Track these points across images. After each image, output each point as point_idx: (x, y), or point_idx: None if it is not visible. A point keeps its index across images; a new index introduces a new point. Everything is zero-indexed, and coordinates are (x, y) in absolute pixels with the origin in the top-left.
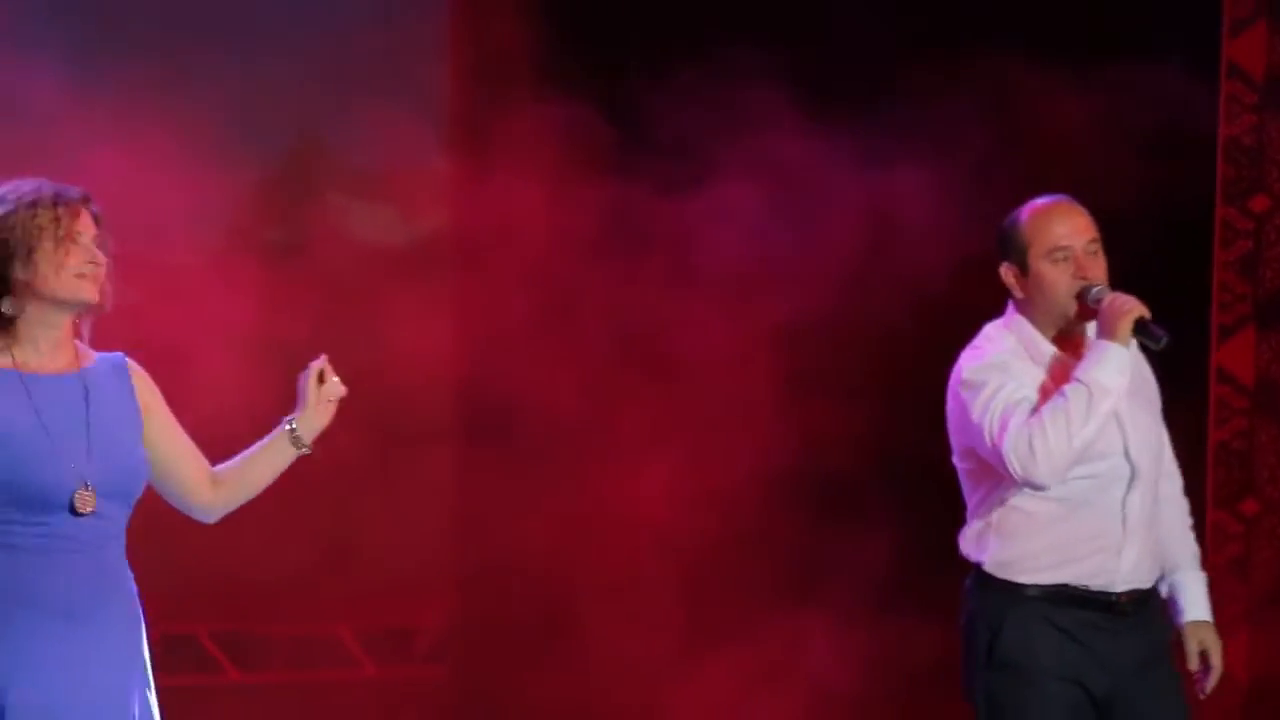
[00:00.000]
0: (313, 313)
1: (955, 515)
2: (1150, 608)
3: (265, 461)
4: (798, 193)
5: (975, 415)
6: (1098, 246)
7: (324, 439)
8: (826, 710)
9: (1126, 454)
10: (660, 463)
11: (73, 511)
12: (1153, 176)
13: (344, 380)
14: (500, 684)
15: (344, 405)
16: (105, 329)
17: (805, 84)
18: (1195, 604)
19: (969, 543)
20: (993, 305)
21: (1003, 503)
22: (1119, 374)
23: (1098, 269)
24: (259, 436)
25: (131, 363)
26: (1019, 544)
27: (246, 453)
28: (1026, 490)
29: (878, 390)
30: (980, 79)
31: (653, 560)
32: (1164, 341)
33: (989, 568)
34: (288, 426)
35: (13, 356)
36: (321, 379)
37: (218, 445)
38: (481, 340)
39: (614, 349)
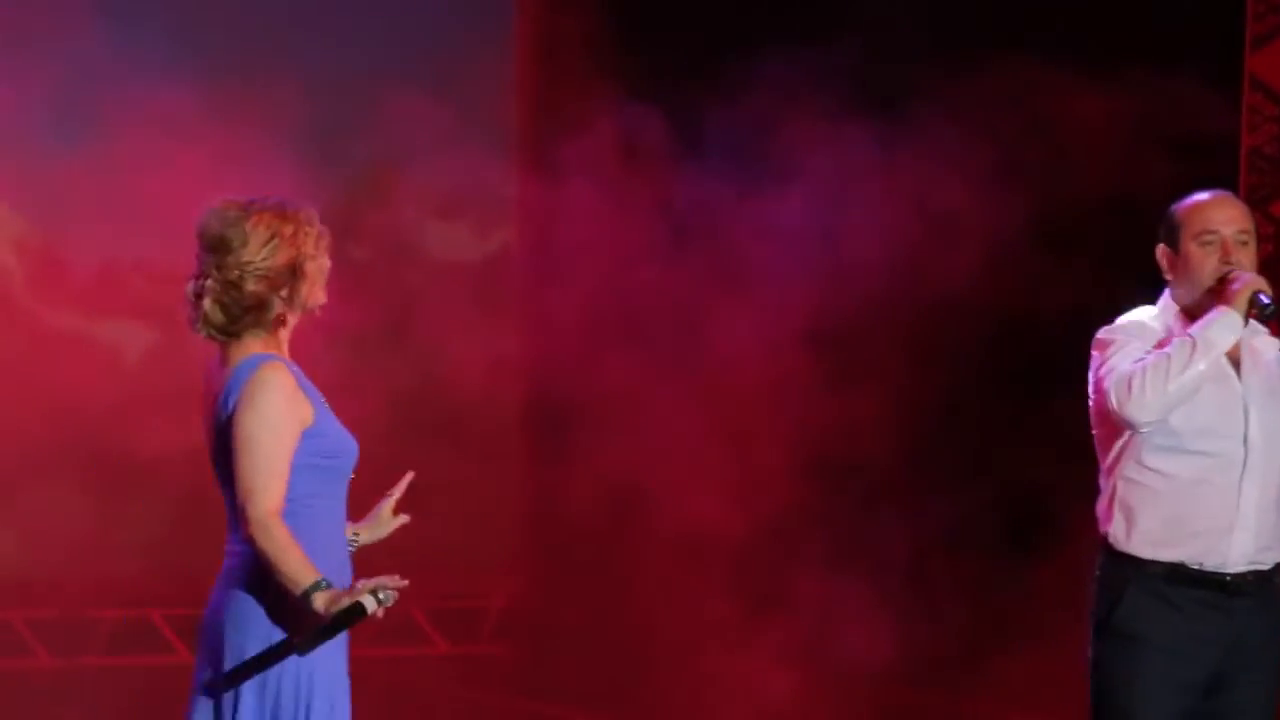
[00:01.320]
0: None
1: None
2: (1269, 589)
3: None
4: (849, 192)
5: (1096, 368)
6: (1249, 238)
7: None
8: (870, 687)
9: (1245, 439)
10: (710, 459)
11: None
12: (1179, 183)
13: (417, 384)
14: (561, 661)
15: (417, 410)
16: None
17: (860, 85)
18: None
19: (1099, 511)
20: (1021, 300)
21: (1125, 475)
22: (1227, 332)
23: (1245, 257)
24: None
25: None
26: (1138, 517)
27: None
28: (1148, 464)
29: (918, 377)
30: (1016, 84)
31: (704, 545)
32: (1270, 309)
33: (1112, 539)
34: (351, 533)
35: (271, 348)
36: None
37: None
38: (546, 341)
39: (667, 349)
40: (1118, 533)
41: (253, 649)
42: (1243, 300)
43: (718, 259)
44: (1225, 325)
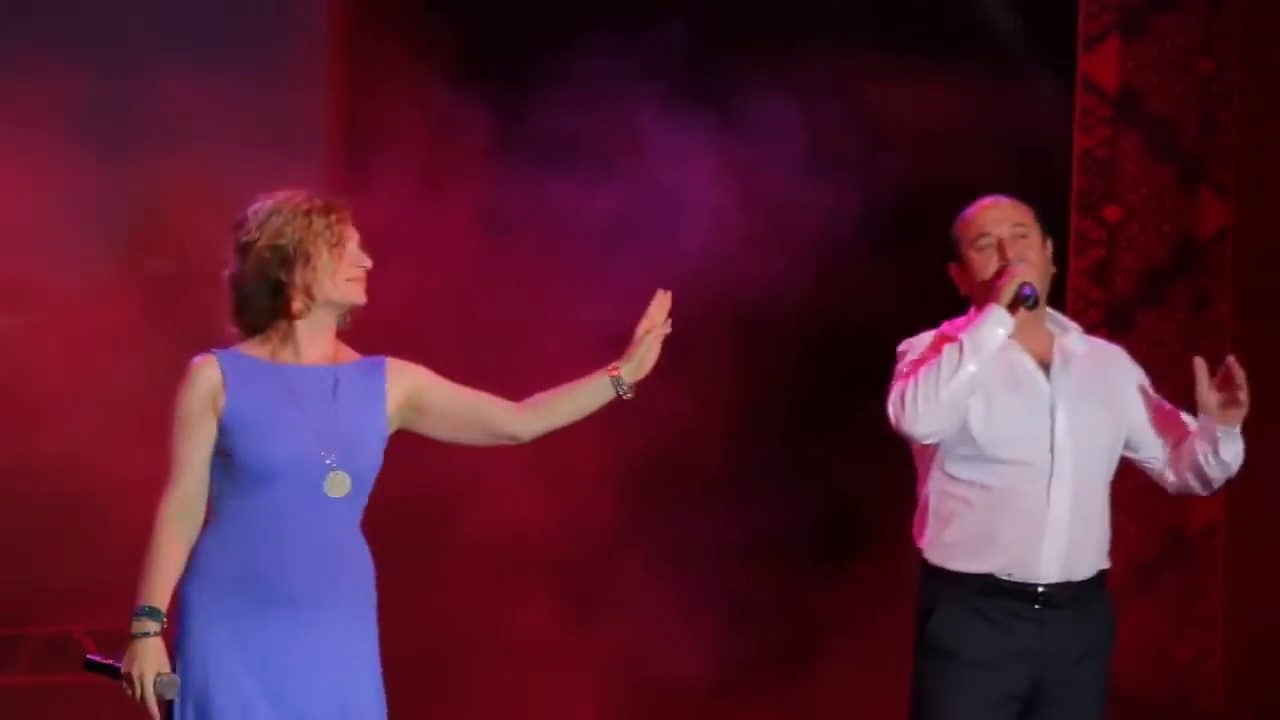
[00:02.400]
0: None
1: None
2: (1087, 602)
3: (582, 398)
4: (672, 185)
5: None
6: (1027, 230)
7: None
8: (686, 700)
9: (1051, 445)
10: (523, 462)
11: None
12: (1009, 186)
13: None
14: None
15: None
16: None
17: (684, 74)
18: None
19: (915, 525)
20: (846, 298)
21: (935, 487)
22: (995, 327)
23: (1027, 249)
24: None
25: (393, 363)
26: (949, 530)
27: (568, 385)
28: (955, 474)
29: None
30: (842, 76)
31: (515, 552)
32: (1032, 299)
33: (925, 552)
34: (612, 372)
35: (271, 351)
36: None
37: None
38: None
39: (483, 350)
40: (930, 545)
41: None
42: (1008, 294)
43: (537, 255)
44: (992, 322)
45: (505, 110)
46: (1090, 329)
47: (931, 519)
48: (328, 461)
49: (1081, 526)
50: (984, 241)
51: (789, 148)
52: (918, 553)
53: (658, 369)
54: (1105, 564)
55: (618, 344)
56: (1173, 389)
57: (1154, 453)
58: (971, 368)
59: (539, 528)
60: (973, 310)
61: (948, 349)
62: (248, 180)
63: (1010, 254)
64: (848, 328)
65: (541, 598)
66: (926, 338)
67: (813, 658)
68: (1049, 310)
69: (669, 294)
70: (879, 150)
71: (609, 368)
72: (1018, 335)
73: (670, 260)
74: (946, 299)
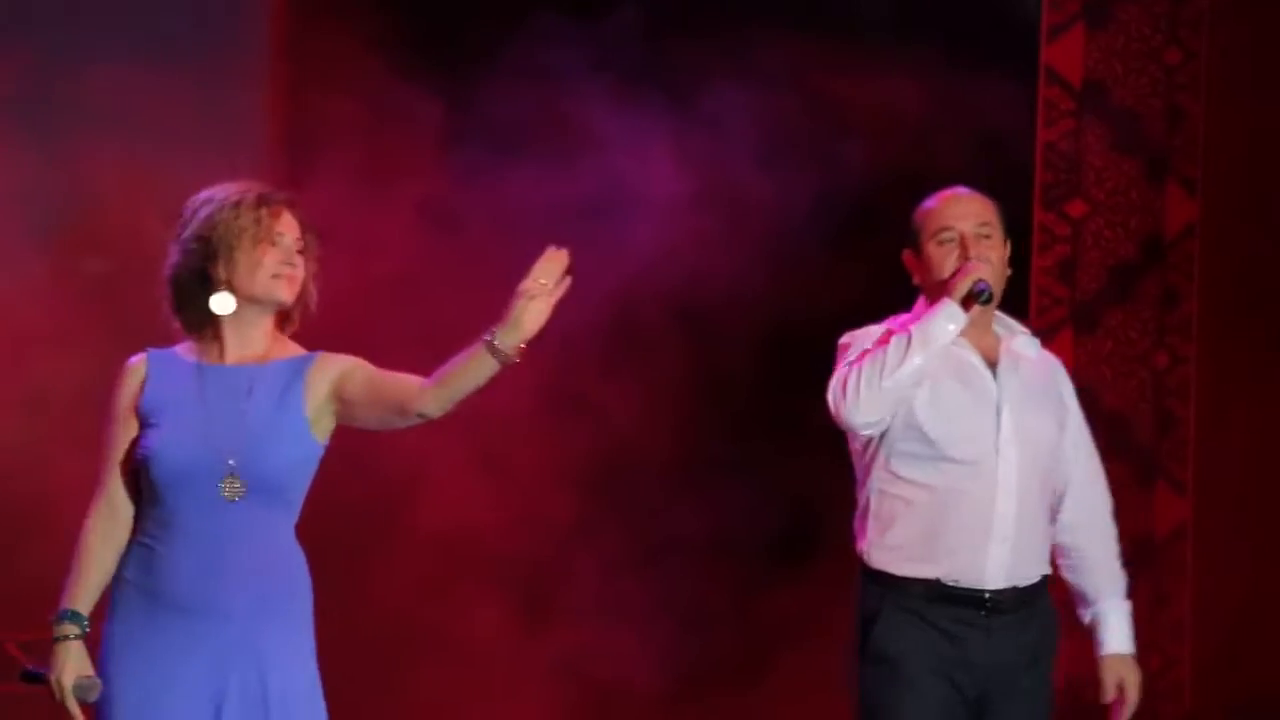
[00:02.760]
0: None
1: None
2: (1031, 608)
3: (471, 367)
4: (618, 177)
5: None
6: (990, 230)
7: None
8: (635, 704)
9: (997, 446)
10: (468, 462)
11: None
12: (970, 180)
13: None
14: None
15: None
16: None
17: (638, 62)
18: (1116, 636)
19: (855, 528)
20: (802, 291)
21: (877, 488)
22: (946, 322)
23: (989, 250)
24: None
25: (321, 358)
26: (892, 533)
27: (459, 355)
28: (899, 474)
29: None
30: (808, 69)
31: (460, 554)
32: (986, 294)
33: (866, 556)
34: (485, 337)
35: (202, 350)
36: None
37: None
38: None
39: (428, 346)
40: (872, 549)
41: None
42: (962, 289)
43: (485, 250)
44: (944, 316)
45: (453, 101)
46: (1055, 327)
47: (872, 521)
48: (230, 463)
49: (1027, 531)
50: (946, 235)
51: (745, 139)
52: (858, 556)
53: (609, 365)
54: (1047, 569)
55: (566, 342)
56: (1139, 388)
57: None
58: (918, 360)
59: (488, 527)
60: (921, 302)
61: (895, 339)
62: (189, 177)
63: (972, 252)
64: (805, 322)
65: (490, 599)
66: (874, 331)
67: (766, 665)
68: (997, 312)
69: (563, 251)
70: (836, 142)
71: (486, 332)
72: (967, 333)
73: (622, 254)
74: (905, 293)
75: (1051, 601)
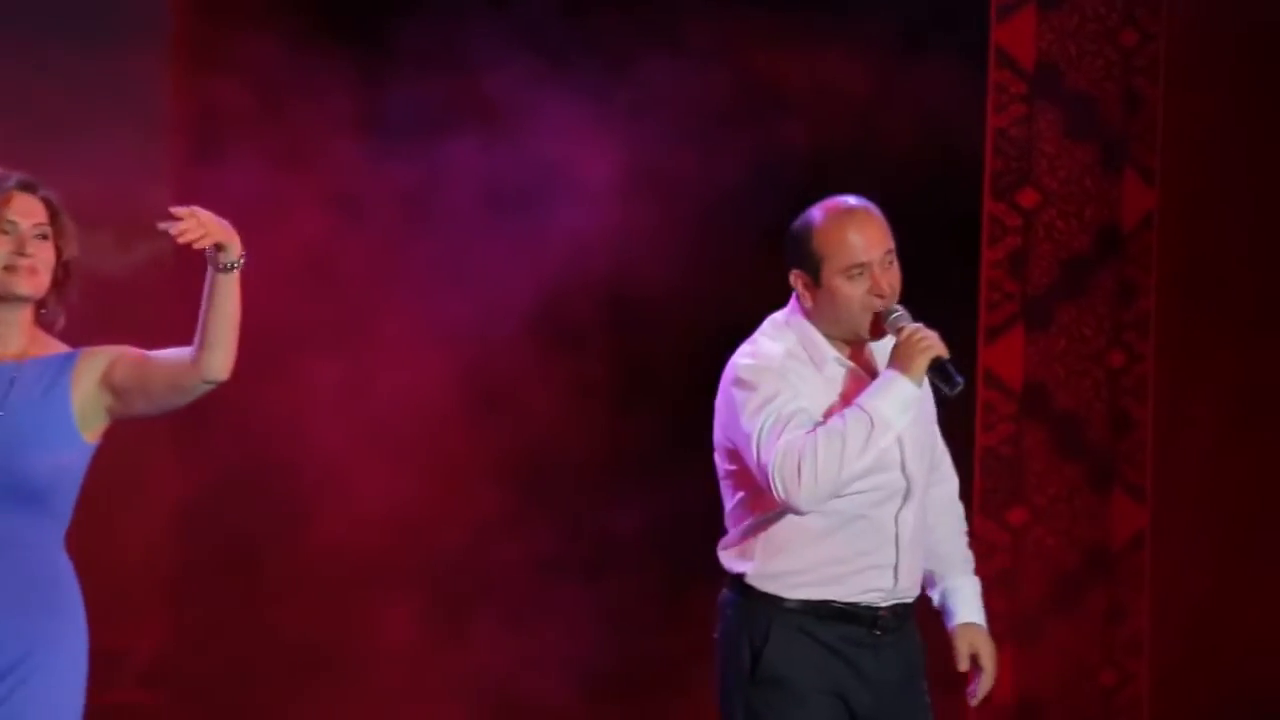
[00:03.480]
0: None
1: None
2: (909, 623)
3: (213, 301)
4: (541, 160)
5: (745, 421)
6: (893, 257)
7: None
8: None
9: (903, 468)
10: (370, 465)
11: None
12: (919, 169)
13: None
14: (216, 700)
15: None
16: None
17: (562, 40)
18: (966, 606)
19: (729, 554)
20: (729, 285)
21: (770, 513)
22: (904, 411)
23: (893, 280)
24: None
25: (85, 354)
26: (787, 558)
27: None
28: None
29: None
30: (742, 47)
31: (387, 554)
32: (959, 388)
33: (751, 579)
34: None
35: None
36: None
37: None
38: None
39: (337, 344)
40: (759, 572)
41: None
42: (920, 370)
43: (400, 233)
44: (902, 402)
45: (366, 81)
46: (1005, 323)
47: (758, 545)
48: None
49: (918, 548)
50: (858, 271)
51: (676, 120)
52: (736, 578)
53: (533, 358)
54: (921, 584)
55: (487, 333)
56: (1094, 388)
57: None
58: (882, 444)
59: (401, 528)
60: (795, 305)
61: (853, 420)
62: (92, 160)
63: (883, 288)
64: (741, 312)
65: (401, 606)
66: (775, 355)
67: (697, 671)
68: None
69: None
70: (774, 123)
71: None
72: (858, 356)
73: (546, 242)
74: None
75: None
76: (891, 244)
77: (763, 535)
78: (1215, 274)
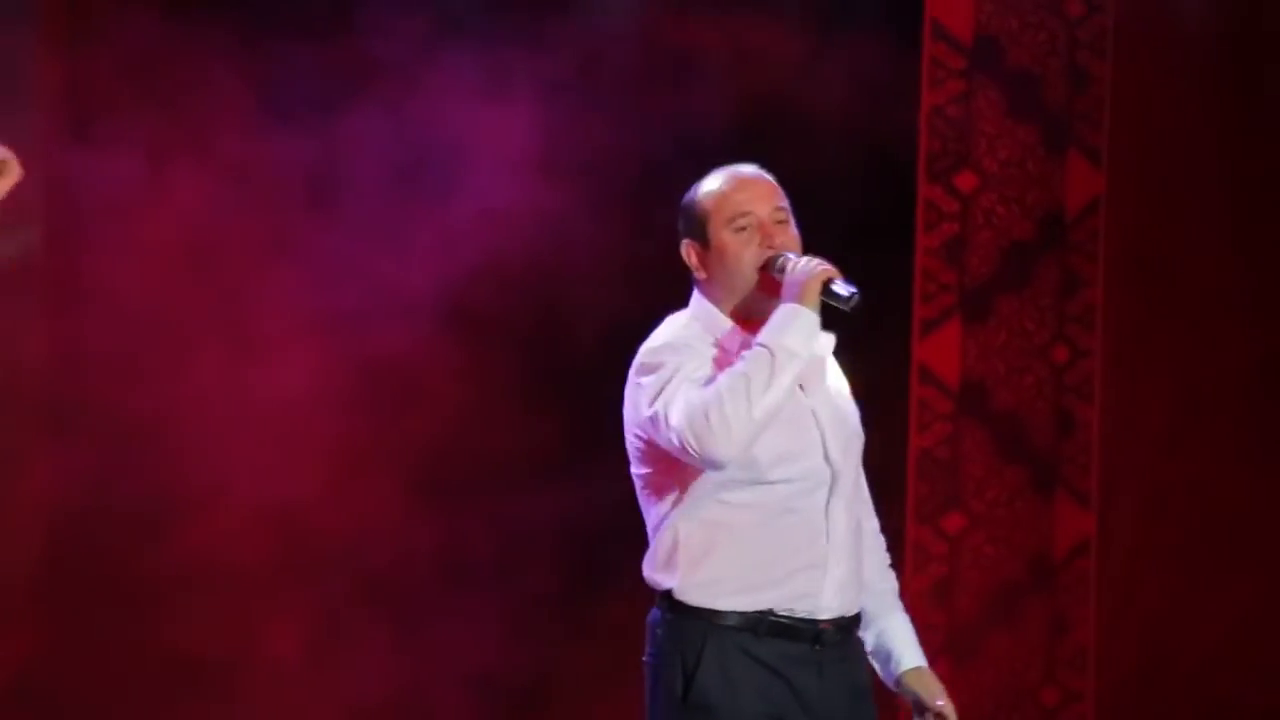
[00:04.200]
0: None
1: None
2: (853, 640)
3: None
4: (440, 138)
5: (648, 401)
6: (786, 215)
7: None
8: None
9: (826, 456)
10: (248, 473)
11: None
12: (848, 150)
13: None
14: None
15: None
16: None
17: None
18: (909, 650)
19: (654, 566)
20: (671, 272)
21: (694, 517)
22: (806, 338)
23: (786, 238)
24: None
25: None
26: (714, 563)
27: None
28: (724, 499)
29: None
30: (665, 14)
31: (272, 559)
32: (854, 300)
33: (680, 593)
34: None
35: None
36: None
37: None
38: (74, 348)
39: (210, 317)
40: (686, 584)
41: None
42: (813, 293)
43: (295, 214)
44: (802, 326)
45: (248, 49)
46: (942, 316)
47: (683, 554)
48: None
49: (855, 553)
50: (744, 221)
51: (591, 92)
52: (662, 595)
53: (435, 351)
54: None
55: (376, 329)
56: (1036, 385)
57: None
58: (786, 380)
59: (289, 530)
60: (697, 299)
61: (754, 357)
62: None
63: (775, 241)
64: (662, 296)
65: (288, 610)
66: (673, 341)
67: (603, 684)
68: None
69: None
70: (692, 100)
71: None
72: (754, 328)
73: (450, 221)
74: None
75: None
76: (782, 202)
77: (685, 543)
78: (1165, 263)
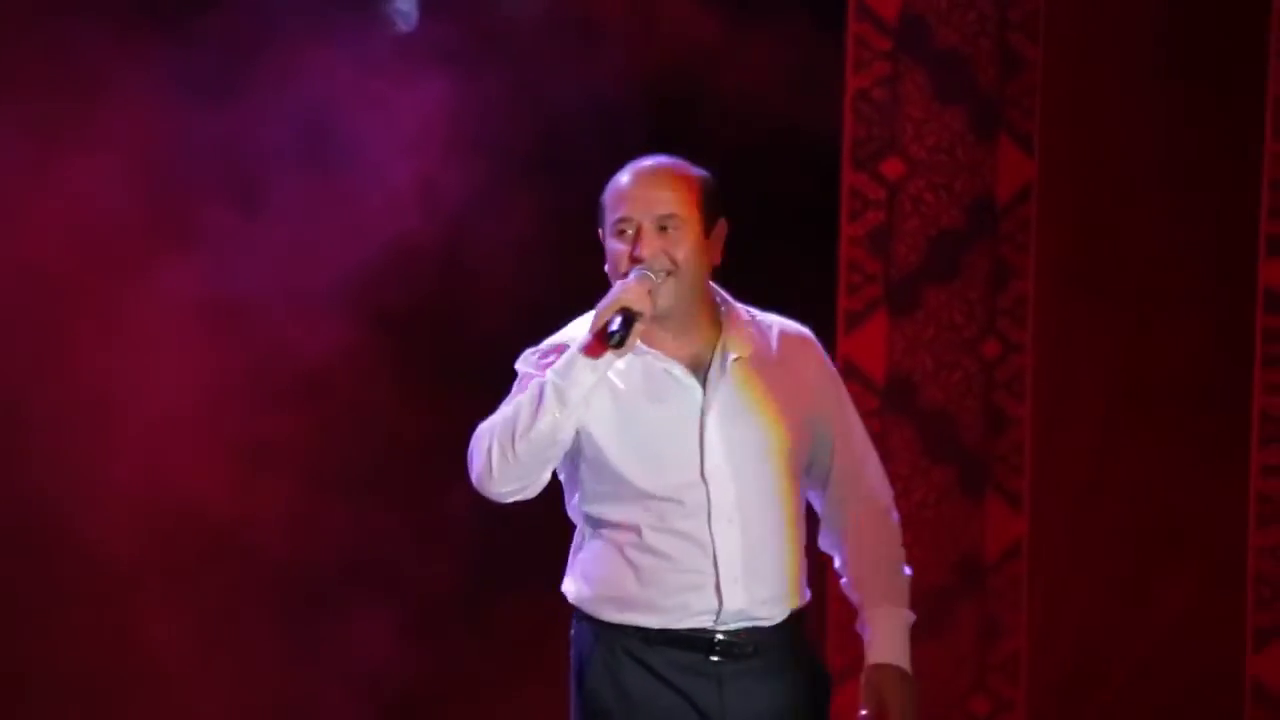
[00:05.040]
0: None
1: None
2: (778, 653)
3: None
4: (346, 121)
5: None
6: (678, 224)
7: None
8: None
9: (703, 472)
10: (125, 472)
11: None
12: (767, 136)
13: None
14: None
15: None
16: None
17: None
18: (878, 644)
19: (568, 564)
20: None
21: (583, 526)
22: (585, 371)
23: (665, 248)
24: None
25: None
26: (601, 579)
27: None
28: (594, 513)
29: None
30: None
31: (153, 561)
32: (617, 335)
33: (575, 599)
34: None
35: None
36: None
37: None
38: None
39: (79, 315)
40: (578, 591)
41: None
42: (596, 325)
43: (185, 198)
44: (582, 364)
45: (134, 18)
46: (867, 308)
47: (579, 561)
48: None
49: (761, 562)
50: (623, 227)
51: (494, 69)
52: (571, 603)
53: (336, 341)
54: (803, 600)
55: (272, 318)
56: (965, 381)
57: (813, 486)
58: (549, 418)
59: (173, 530)
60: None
61: (532, 387)
62: None
63: (644, 251)
64: (584, 285)
65: (171, 614)
66: (555, 343)
67: (505, 687)
68: (725, 297)
69: None
70: (603, 81)
71: None
72: (660, 340)
73: (355, 201)
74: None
75: (810, 641)
76: (674, 204)
77: (578, 550)
78: (1100, 254)
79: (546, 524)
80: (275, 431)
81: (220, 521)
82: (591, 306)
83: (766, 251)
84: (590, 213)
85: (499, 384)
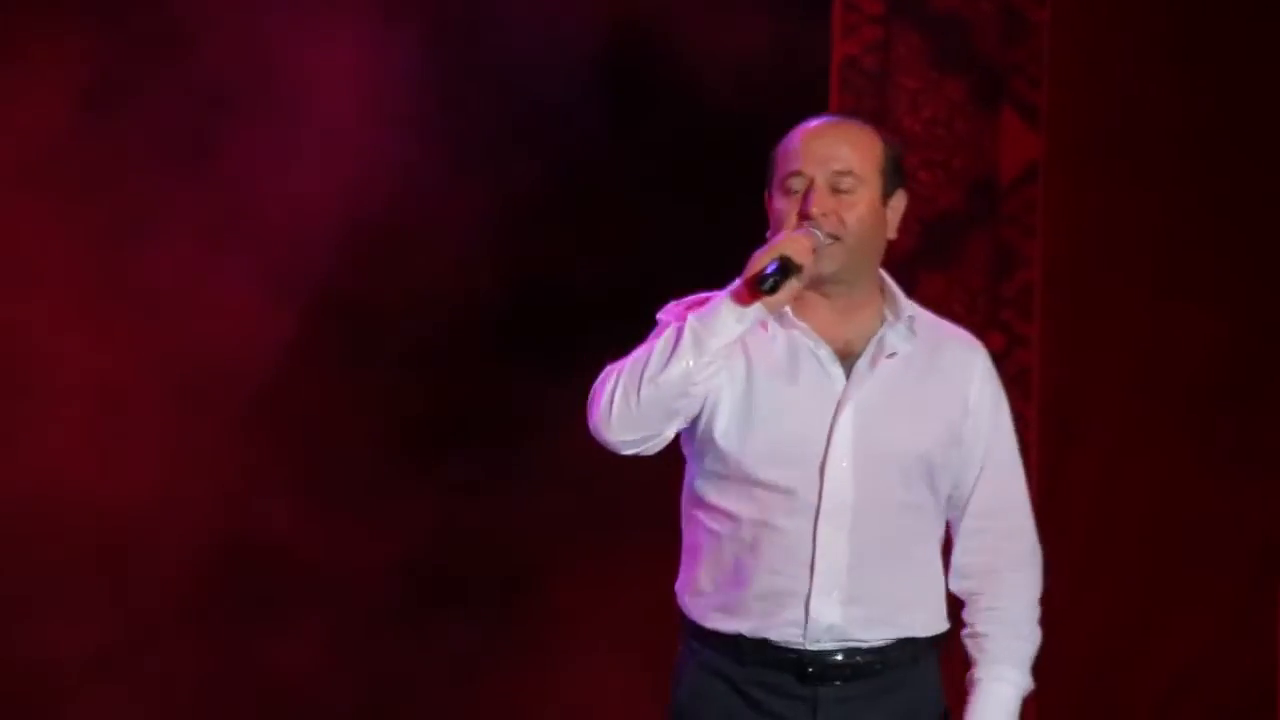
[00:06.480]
0: None
1: None
2: (883, 679)
3: None
4: (306, 108)
5: None
6: (851, 181)
7: None
8: None
9: (822, 467)
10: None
11: None
12: (750, 106)
13: None
14: None
15: None
16: None
17: None
18: (977, 711)
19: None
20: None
21: (687, 513)
22: (729, 319)
23: (839, 207)
24: None
25: None
26: (701, 573)
27: None
28: (702, 497)
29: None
30: None
31: (59, 568)
32: (769, 280)
33: (679, 601)
34: None
35: None
36: None
37: None
38: None
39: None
40: (683, 592)
41: None
42: (754, 269)
43: (84, 177)
44: (728, 311)
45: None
46: None
47: (686, 557)
48: None
49: (869, 580)
50: (794, 183)
51: (467, 45)
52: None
53: (260, 330)
54: (924, 629)
55: (242, 315)
56: None
57: (950, 511)
58: (684, 364)
59: (82, 533)
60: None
61: (669, 332)
62: None
63: (813, 208)
64: (549, 277)
65: (82, 625)
66: (685, 300)
67: (439, 692)
68: (893, 285)
69: None
70: (570, 51)
71: None
72: (811, 315)
73: (278, 178)
74: (671, 243)
75: (931, 670)
76: (853, 161)
77: (686, 544)
78: (1113, 240)
79: (480, 538)
80: (203, 429)
81: (143, 524)
82: (546, 296)
83: (750, 234)
84: (555, 194)
85: (442, 373)
